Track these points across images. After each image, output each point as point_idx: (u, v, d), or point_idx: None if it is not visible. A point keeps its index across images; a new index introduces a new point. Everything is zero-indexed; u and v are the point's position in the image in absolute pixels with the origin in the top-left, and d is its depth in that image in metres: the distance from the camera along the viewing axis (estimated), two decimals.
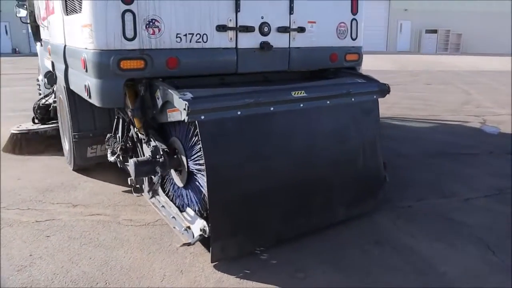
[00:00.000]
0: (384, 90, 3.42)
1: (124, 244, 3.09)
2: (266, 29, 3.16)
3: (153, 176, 3.09)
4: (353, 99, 3.23)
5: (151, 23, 2.74)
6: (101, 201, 3.82)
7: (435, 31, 30.09)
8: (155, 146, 2.96)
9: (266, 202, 2.85)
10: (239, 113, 2.66)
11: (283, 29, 3.26)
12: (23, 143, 5.19)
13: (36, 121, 5.44)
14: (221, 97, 2.70)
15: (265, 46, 3.17)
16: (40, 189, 4.11)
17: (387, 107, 8.46)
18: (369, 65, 17.42)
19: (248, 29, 3.09)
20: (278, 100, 2.84)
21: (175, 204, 3.27)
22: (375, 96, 3.40)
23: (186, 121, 2.52)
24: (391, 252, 2.98)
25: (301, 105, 2.94)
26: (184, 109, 2.45)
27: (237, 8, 3.01)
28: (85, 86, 2.96)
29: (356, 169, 3.32)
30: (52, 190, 4.08)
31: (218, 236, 2.67)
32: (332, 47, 3.63)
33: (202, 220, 2.74)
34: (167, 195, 3.43)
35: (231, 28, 3.03)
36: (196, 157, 2.83)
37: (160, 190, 3.46)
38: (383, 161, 3.56)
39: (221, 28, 2.98)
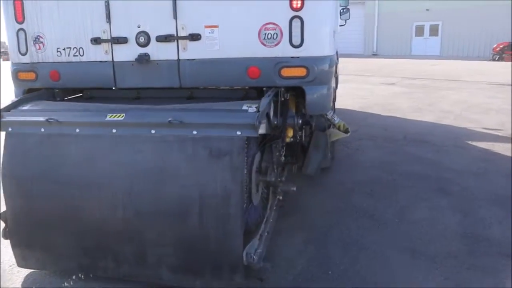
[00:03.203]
0: (253, 126, 2.28)
1: None
2: (142, 39, 2.85)
3: None
4: (194, 132, 2.39)
5: (37, 39, 3.06)
6: None
7: None
8: None
9: (60, 229, 2.59)
10: (42, 130, 2.60)
11: (163, 38, 2.83)
12: None
13: None
14: (34, 112, 2.74)
15: (139, 58, 2.88)
16: None
17: None
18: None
19: (119, 40, 2.90)
20: (82, 121, 2.57)
21: None
22: (238, 132, 2.33)
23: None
24: None
25: (114, 130, 2.49)
26: None
27: (108, 19, 2.88)
28: None
29: (182, 228, 2.39)
30: None
31: (16, 244, 2.70)
32: (250, 58, 2.77)
33: None
34: None
35: (104, 41, 2.93)
36: None
37: None
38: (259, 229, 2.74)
39: (95, 41, 2.95)
